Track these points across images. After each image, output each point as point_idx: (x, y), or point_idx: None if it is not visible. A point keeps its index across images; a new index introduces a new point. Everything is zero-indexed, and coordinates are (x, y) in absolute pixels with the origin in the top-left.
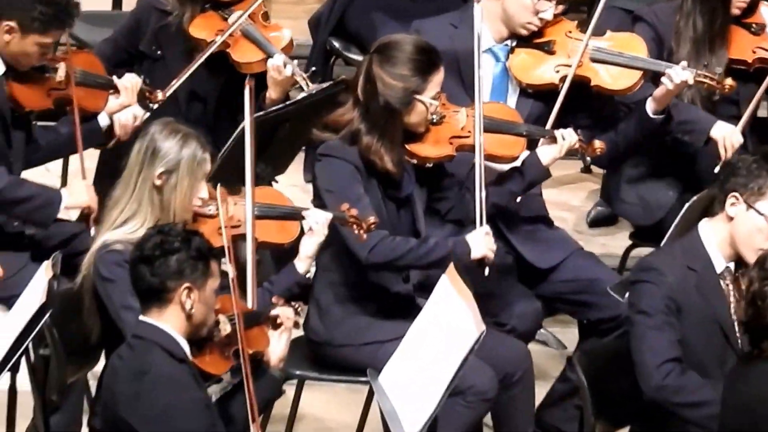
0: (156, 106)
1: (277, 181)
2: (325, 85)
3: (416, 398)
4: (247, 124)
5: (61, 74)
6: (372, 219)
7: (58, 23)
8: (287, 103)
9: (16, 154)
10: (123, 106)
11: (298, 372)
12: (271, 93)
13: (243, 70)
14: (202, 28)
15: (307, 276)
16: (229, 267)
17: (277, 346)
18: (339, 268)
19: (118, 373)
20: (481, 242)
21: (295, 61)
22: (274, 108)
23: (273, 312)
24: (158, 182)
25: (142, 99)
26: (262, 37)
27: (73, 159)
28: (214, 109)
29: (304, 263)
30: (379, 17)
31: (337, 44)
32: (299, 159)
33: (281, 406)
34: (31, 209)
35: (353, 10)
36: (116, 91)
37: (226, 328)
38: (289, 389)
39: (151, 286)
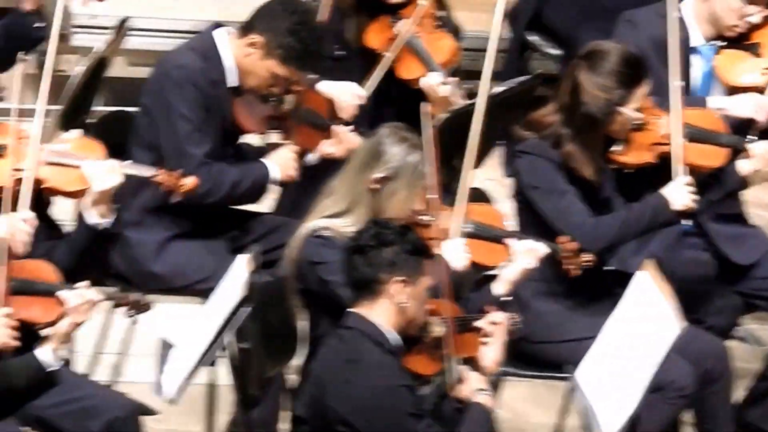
0: None
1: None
2: (522, 78)
3: (615, 395)
4: (426, 155)
5: (285, 107)
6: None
7: (299, 62)
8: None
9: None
10: (331, 154)
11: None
12: (434, 109)
13: (411, 86)
14: (375, 36)
15: (505, 298)
16: (445, 248)
17: (491, 351)
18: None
19: (328, 362)
20: (679, 193)
21: (454, 78)
22: (469, 102)
23: (486, 318)
24: (375, 186)
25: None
26: (425, 51)
27: None
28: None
29: (503, 286)
30: (576, 11)
31: (533, 38)
32: (496, 153)
33: None
34: (249, 196)
35: (550, 3)
36: (334, 134)
37: (438, 330)
38: None
39: (364, 277)
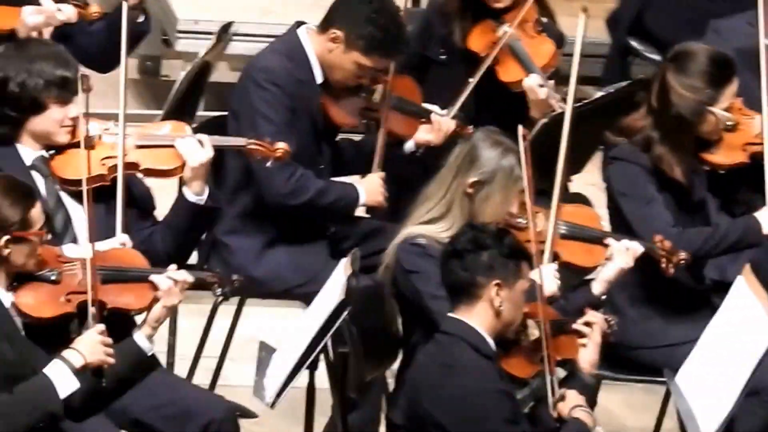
0: None
1: (571, 180)
2: (622, 84)
3: (713, 399)
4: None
5: (376, 96)
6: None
7: (382, 50)
8: (585, 101)
9: (325, 161)
10: (428, 141)
11: (594, 371)
12: (533, 112)
13: (512, 89)
14: (477, 39)
15: (602, 298)
16: (534, 275)
17: (587, 352)
18: (634, 270)
19: (424, 367)
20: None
21: (551, 82)
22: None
23: (582, 319)
24: (470, 190)
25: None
26: (526, 54)
27: None
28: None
29: (600, 286)
30: (677, 16)
31: (635, 44)
32: (597, 158)
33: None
34: (334, 212)
35: (651, 9)
36: (428, 121)
37: (534, 333)
38: None
39: (461, 281)
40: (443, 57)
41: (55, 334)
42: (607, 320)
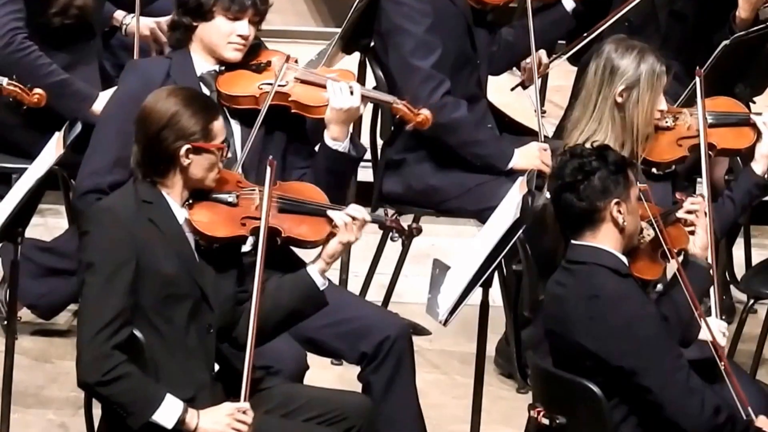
0: None
1: (754, 102)
2: None
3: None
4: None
5: None
6: None
7: None
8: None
9: (481, 56)
10: None
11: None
12: (741, 12)
13: None
14: None
15: (767, 176)
16: (642, 185)
17: (697, 238)
18: None
19: (565, 300)
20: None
21: None
22: (756, 28)
23: (684, 208)
24: (620, 99)
25: None
26: None
27: None
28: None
29: (761, 164)
30: None
31: None
32: None
33: (752, 325)
34: (477, 154)
35: None
36: None
37: (649, 233)
38: (761, 309)
39: (581, 211)
40: None
41: (224, 259)
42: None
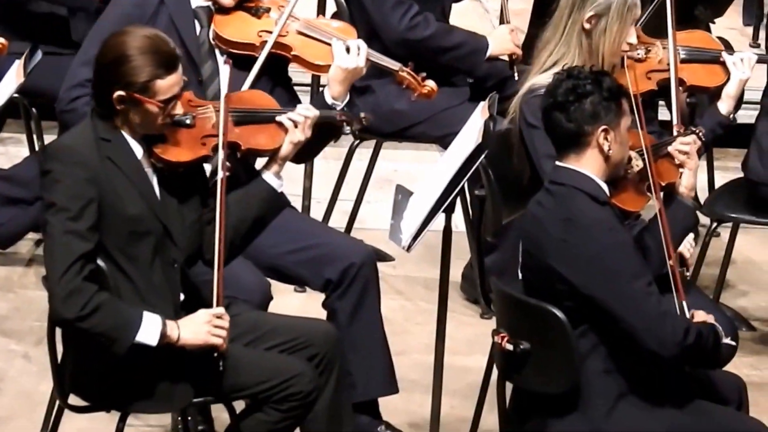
0: None
1: (714, 23)
2: None
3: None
4: None
5: None
6: None
7: None
8: None
9: None
10: None
11: (733, 215)
12: None
13: None
14: None
15: (731, 117)
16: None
17: (685, 177)
18: None
19: (542, 221)
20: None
21: None
22: None
23: (676, 146)
24: (587, 26)
25: None
26: None
27: None
28: None
29: (726, 103)
30: None
31: None
32: (738, 3)
33: (715, 249)
34: (458, 57)
35: None
36: None
37: (638, 164)
38: (724, 232)
39: (567, 132)
40: None
41: (186, 186)
42: (695, 132)
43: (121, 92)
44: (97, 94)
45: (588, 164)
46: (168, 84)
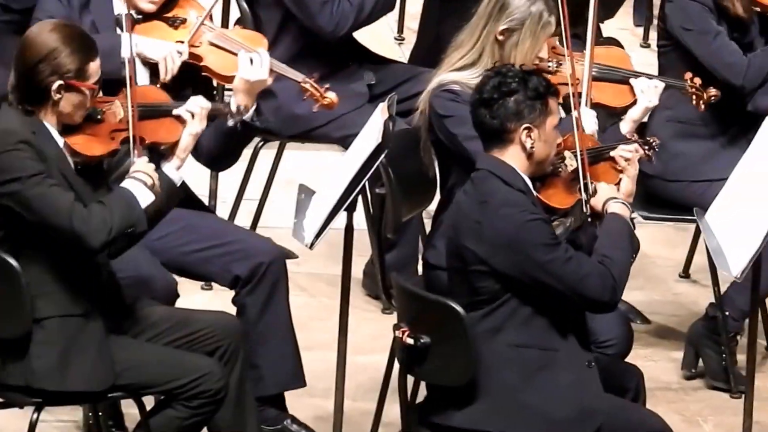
0: None
1: (603, 23)
2: None
3: (742, 235)
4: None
5: None
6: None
7: None
8: None
9: None
10: None
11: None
12: None
13: None
14: None
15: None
16: (575, 113)
17: (623, 183)
18: (678, 104)
19: (461, 205)
20: None
21: None
22: None
23: (618, 151)
24: (500, 38)
25: None
26: None
27: None
28: None
29: (627, 125)
30: None
31: None
32: (629, 3)
33: None
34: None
35: None
36: None
37: (572, 164)
38: None
39: (491, 128)
40: None
41: (95, 176)
42: (648, 141)
43: (59, 81)
44: (28, 92)
45: (511, 159)
46: (97, 65)
